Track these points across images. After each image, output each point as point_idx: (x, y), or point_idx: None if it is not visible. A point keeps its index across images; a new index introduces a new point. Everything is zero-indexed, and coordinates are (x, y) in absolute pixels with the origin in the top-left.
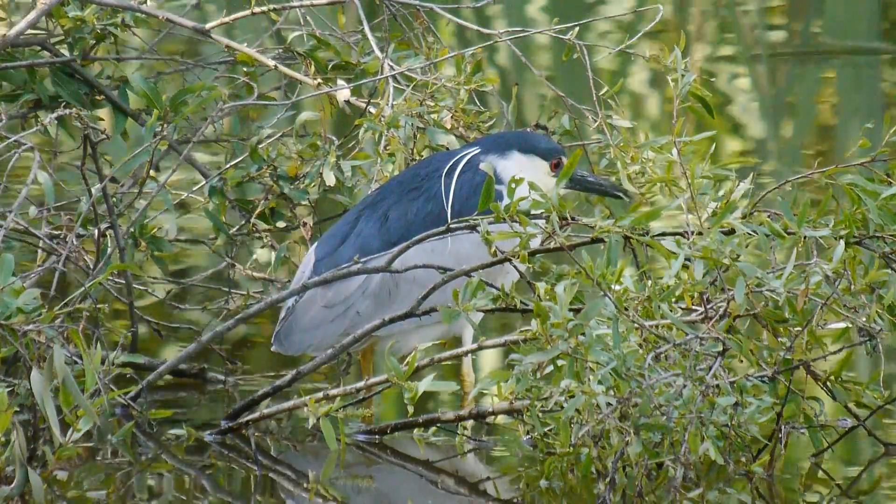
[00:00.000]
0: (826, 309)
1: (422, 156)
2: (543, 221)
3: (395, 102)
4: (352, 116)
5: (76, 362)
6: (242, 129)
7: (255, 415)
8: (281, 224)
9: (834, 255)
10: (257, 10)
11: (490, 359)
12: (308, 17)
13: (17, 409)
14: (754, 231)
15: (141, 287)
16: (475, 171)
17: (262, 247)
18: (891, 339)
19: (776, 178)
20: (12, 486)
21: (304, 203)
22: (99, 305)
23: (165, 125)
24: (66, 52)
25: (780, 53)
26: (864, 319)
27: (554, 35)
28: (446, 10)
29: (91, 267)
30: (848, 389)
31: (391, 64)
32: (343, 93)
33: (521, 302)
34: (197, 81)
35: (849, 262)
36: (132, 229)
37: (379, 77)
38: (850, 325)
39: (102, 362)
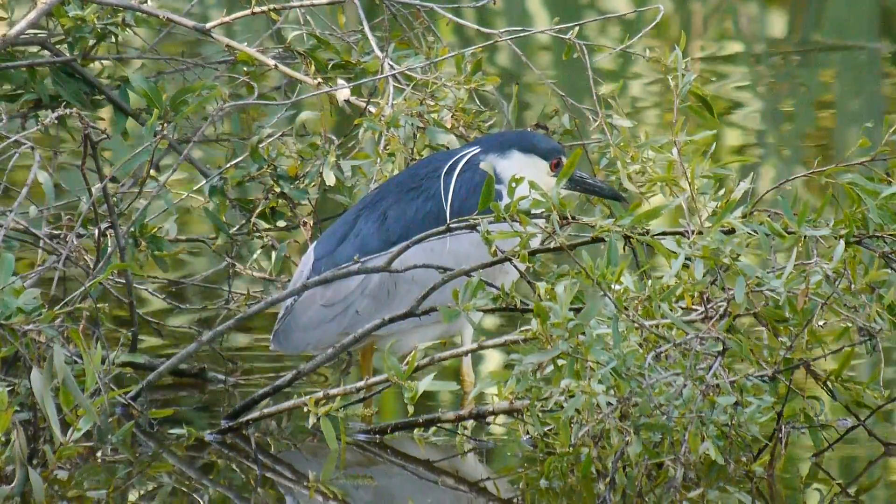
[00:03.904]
0: (826, 308)
1: (422, 155)
2: (543, 221)
3: (395, 102)
4: (352, 116)
5: (76, 362)
6: (243, 128)
7: (255, 414)
8: (281, 224)
9: (834, 254)
10: (257, 9)
11: (490, 359)
12: (308, 17)
13: (18, 409)
14: (754, 231)
15: (141, 287)
16: (475, 170)
17: (263, 246)
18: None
19: (775, 179)
20: (12, 485)
21: (304, 203)
22: (99, 305)
23: (166, 124)
24: (67, 52)
25: (780, 53)
26: (863, 319)
27: (554, 35)
28: (446, 10)
29: (91, 267)
30: (848, 389)
31: (391, 63)
32: (343, 92)
33: (521, 302)
34: (197, 81)
35: (849, 261)
36: (132, 229)
37: (379, 76)
38: (851, 325)
39: (102, 362)
